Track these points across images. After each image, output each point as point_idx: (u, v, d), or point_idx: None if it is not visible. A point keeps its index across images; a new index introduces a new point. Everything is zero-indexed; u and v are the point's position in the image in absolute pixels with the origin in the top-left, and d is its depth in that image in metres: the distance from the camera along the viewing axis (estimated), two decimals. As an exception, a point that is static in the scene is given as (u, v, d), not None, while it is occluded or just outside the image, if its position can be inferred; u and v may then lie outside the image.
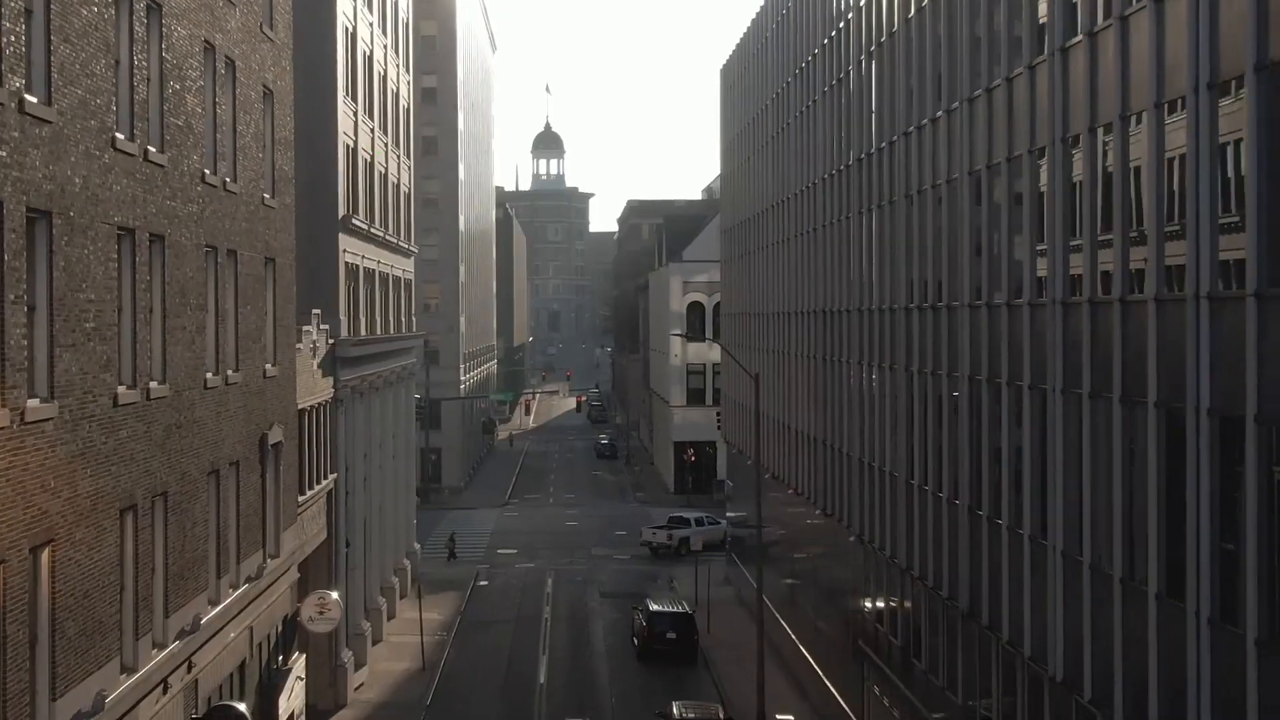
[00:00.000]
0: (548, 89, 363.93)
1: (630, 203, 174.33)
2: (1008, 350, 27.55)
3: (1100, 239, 23.22)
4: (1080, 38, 23.91)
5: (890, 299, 36.93)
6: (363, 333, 51.85)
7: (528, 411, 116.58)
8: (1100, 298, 23.13)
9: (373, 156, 54.92)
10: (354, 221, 48.75)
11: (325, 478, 44.39)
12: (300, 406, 39.59)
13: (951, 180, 31.55)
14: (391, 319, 60.89)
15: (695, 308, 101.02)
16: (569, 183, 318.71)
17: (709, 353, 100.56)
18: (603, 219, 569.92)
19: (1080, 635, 23.70)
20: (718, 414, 79.71)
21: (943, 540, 31.69)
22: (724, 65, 73.57)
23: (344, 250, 47.73)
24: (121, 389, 23.52)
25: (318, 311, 43.35)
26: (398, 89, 63.87)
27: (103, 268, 22.52)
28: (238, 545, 31.56)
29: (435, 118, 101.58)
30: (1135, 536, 21.88)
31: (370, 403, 55.09)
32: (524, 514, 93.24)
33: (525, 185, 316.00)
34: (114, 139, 23.01)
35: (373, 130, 54.95)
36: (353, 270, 49.92)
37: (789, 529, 55.02)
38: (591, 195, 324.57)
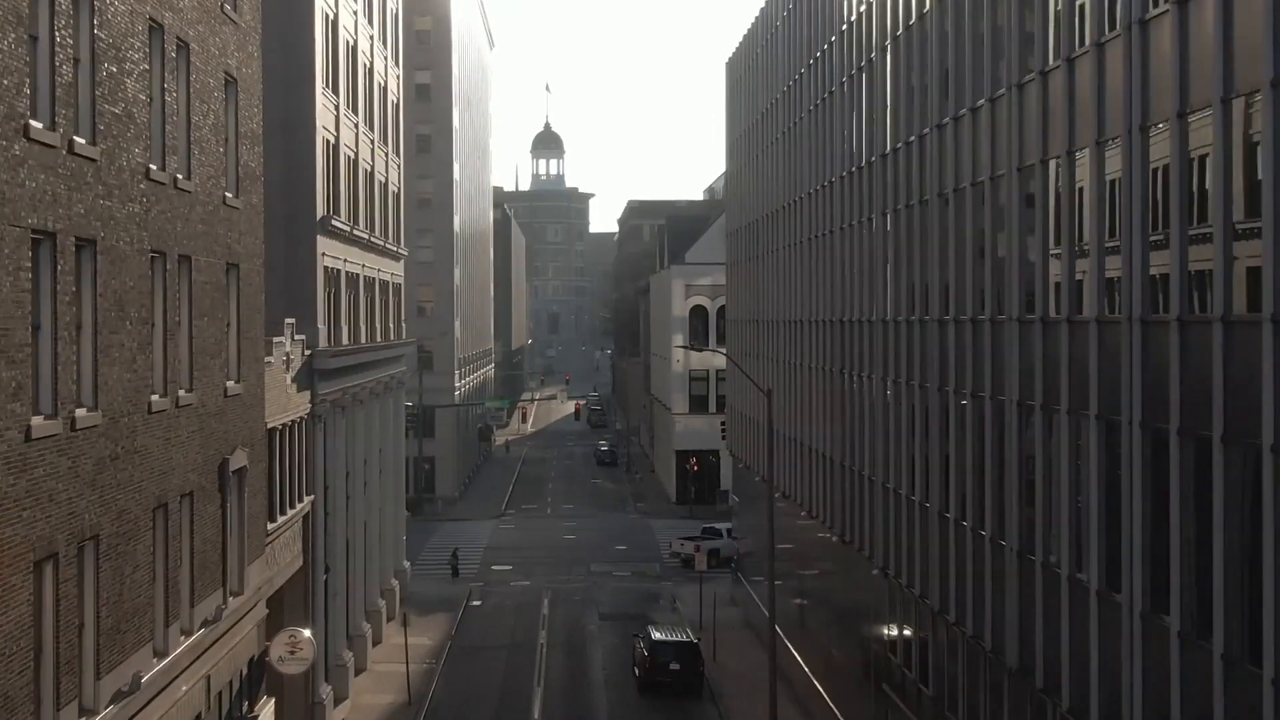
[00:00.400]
0: (548, 88, 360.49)
1: (631, 203, 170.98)
2: (1068, 372, 24.05)
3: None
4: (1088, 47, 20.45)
5: (920, 309, 33.48)
6: (345, 342, 48.39)
7: (525, 419, 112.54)
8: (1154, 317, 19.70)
9: (357, 154, 51.48)
10: (334, 223, 45.29)
11: (300, 501, 40.93)
12: (270, 425, 36.13)
13: (996, 177, 28.09)
14: (379, 326, 57.45)
15: (698, 312, 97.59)
16: (569, 183, 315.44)
17: (712, 359, 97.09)
18: (603, 220, 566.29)
19: (1167, 711, 20.25)
20: (722, 425, 76.28)
21: (985, 585, 28.22)
22: (730, 58, 70.14)
23: (323, 254, 44.27)
24: (37, 420, 20.07)
25: (291, 321, 39.89)
26: (386, 83, 60.42)
27: (10, 278, 19.07)
28: (191, 586, 28.10)
29: (429, 115, 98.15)
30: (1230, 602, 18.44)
31: (354, 416, 51.64)
32: (520, 526, 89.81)
33: (525, 185, 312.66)
34: (27, 127, 19.56)
35: (357, 126, 51.52)
36: (333, 275, 46.46)
37: (798, 543, 51.54)
38: (592, 195, 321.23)
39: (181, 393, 27.31)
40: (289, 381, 39.07)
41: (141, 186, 24.74)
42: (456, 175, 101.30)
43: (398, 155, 64.52)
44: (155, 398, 25.62)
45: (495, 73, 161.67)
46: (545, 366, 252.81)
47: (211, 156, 29.63)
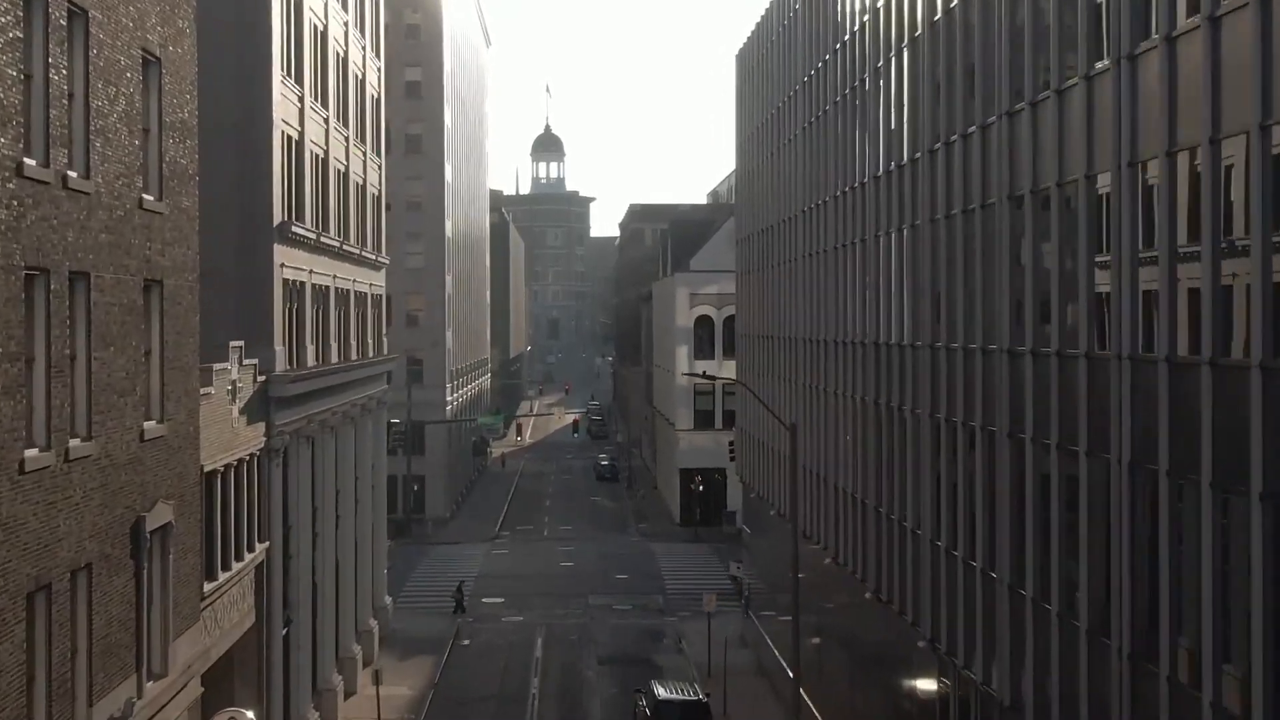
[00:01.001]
0: (548, 90, 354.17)
1: (633, 206, 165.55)
2: (1168, 423, 18.69)
3: None
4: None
5: (982, 336, 28.09)
6: (312, 363, 43.01)
7: (519, 433, 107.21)
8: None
9: (327, 152, 46.15)
10: (296, 229, 39.92)
11: (251, 550, 35.56)
12: (209, 468, 30.78)
13: (1065, 184, 22.72)
14: (355, 343, 52.10)
15: (704, 322, 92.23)
16: (569, 186, 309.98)
17: (718, 371, 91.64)
18: (604, 223, 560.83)
19: None
20: (730, 445, 70.88)
21: (1080, 683, 22.79)
22: (741, 49, 64.75)
23: (282, 265, 38.89)
24: None
25: (240, 344, 34.52)
26: (364, 76, 55.10)
27: None
28: (90, 682, 22.75)
29: (420, 114, 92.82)
30: None
31: (324, 444, 46.29)
32: (515, 551, 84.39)
33: (525, 189, 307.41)
34: None
35: (327, 121, 46.19)
36: (295, 289, 41.08)
37: (814, 571, 45.97)
38: (592, 199, 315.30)
39: (74, 443, 21.97)
40: (236, 414, 33.72)
41: (10, 186, 19.40)
42: (449, 177, 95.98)
43: (378, 155, 59.23)
44: (31, 453, 20.27)
45: (493, 73, 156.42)
46: (544, 373, 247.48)
47: (122, 151, 24.28)
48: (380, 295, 59.52)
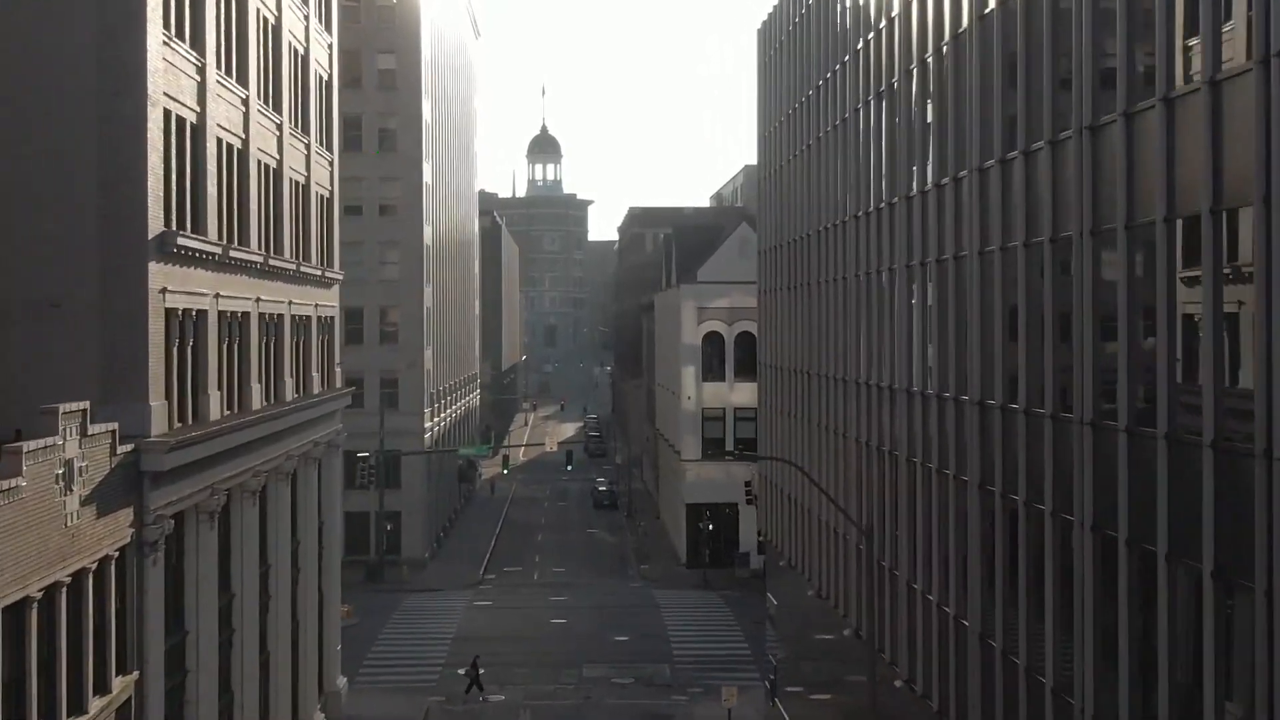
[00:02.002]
0: (543, 91, 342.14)
1: (632, 210, 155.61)
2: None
3: None
4: None
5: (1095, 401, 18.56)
6: (216, 415, 33.01)
7: (506, 465, 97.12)
8: None
9: (247, 142, 36.24)
10: (186, 242, 29.92)
11: (105, 690, 25.59)
12: (11, 600, 20.85)
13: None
14: (291, 380, 42.19)
15: (712, 339, 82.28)
16: (567, 189, 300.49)
17: (730, 394, 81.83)
18: (603, 227, 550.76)
19: None
20: (748, 489, 60.90)
21: None
22: (764, 24, 54.79)
23: (164, 290, 28.88)
24: None
25: (78, 407, 24.48)
26: (307, 51, 45.27)
27: None
28: None
29: (394, 106, 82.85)
30: None
31: (244, 514, 36.33)
32: (500, 601, 74.28)
33: (522, 192, 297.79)
34: None
35: (247, 103, 36.29)
36: (188, 320, 31.10)
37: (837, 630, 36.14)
38: (590, 202, 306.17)
39: None
40: (73, 506, 23.75)
41: None
42: (428, 178, 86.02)
43: (328, 149, 49.43)
44: None
45: (484, 69, 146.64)
46: (540, 384, 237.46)
47: None
48: (331, 317, 49.70)
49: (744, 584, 77.80)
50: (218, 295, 33.05)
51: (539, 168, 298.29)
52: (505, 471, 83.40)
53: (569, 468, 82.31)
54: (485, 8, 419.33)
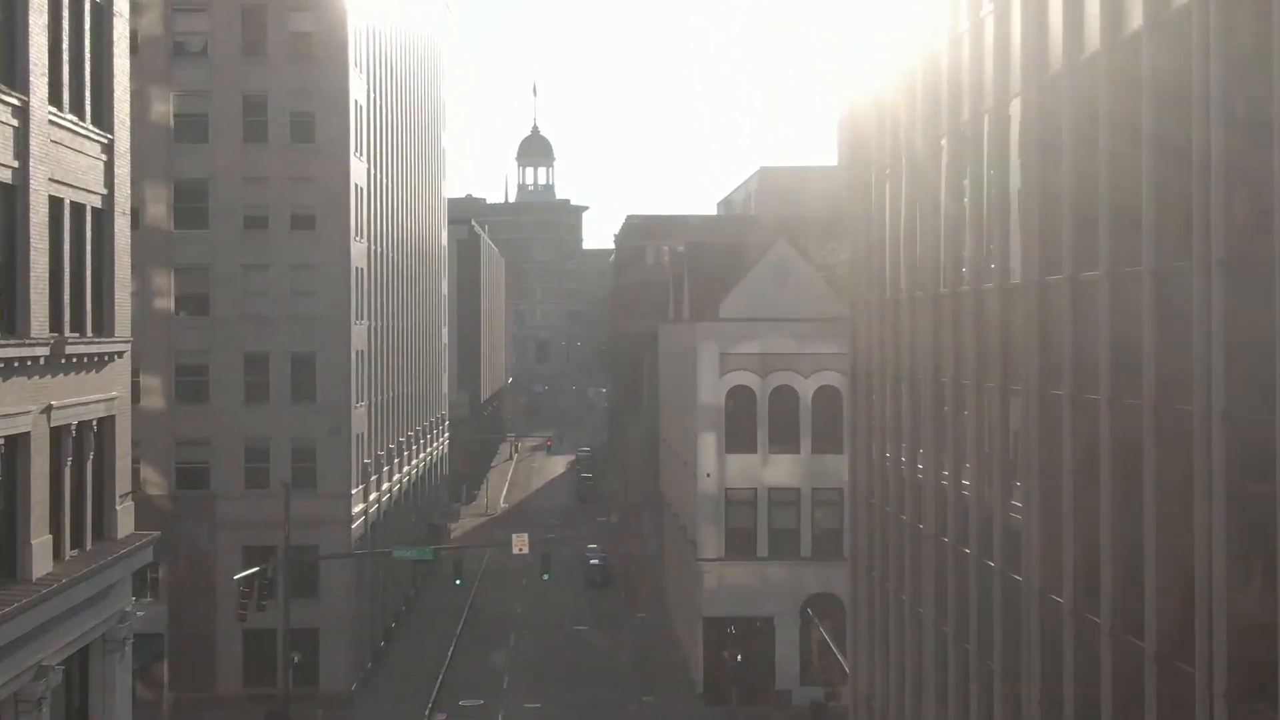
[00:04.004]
0: (534, 89, 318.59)
1: (630, 219, 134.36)
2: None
3: None
4: None
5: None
6: None
7: (459, 577, 74.06)
8: None
9: None
10: None
11: None
12: None
13: None
14: (33, 546, 21.00)
15: (740, 396, 61.15)
16: (559, 194, 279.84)
17: (762, 471, 60.79)
18: (598, 234, 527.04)
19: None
20: (812, 620, 39.53)
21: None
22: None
23: None
24: None
25: None
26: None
27: None
28: None
29: (311, 82, 61.73)
30: None
31: None
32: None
33: (511, 197, 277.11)
34: None
35: None
36: None
37: None
38: (585, 208, 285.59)
39: None
40: None
41: None
42: (359, 178, 64.86)
43: (106, 131, 28.35)
44: None
45: (458, 52, 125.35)
46: (530, 407, 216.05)
47: None
48: (103, 421, 28.53)
49: (786, 734, 56.97)
50: None
51: (529, 171, 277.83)
52: (459, 582, 61.96)
53: (545, 577, 60.65)
54: (475, 4, 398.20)
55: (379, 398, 70.70)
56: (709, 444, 60.88)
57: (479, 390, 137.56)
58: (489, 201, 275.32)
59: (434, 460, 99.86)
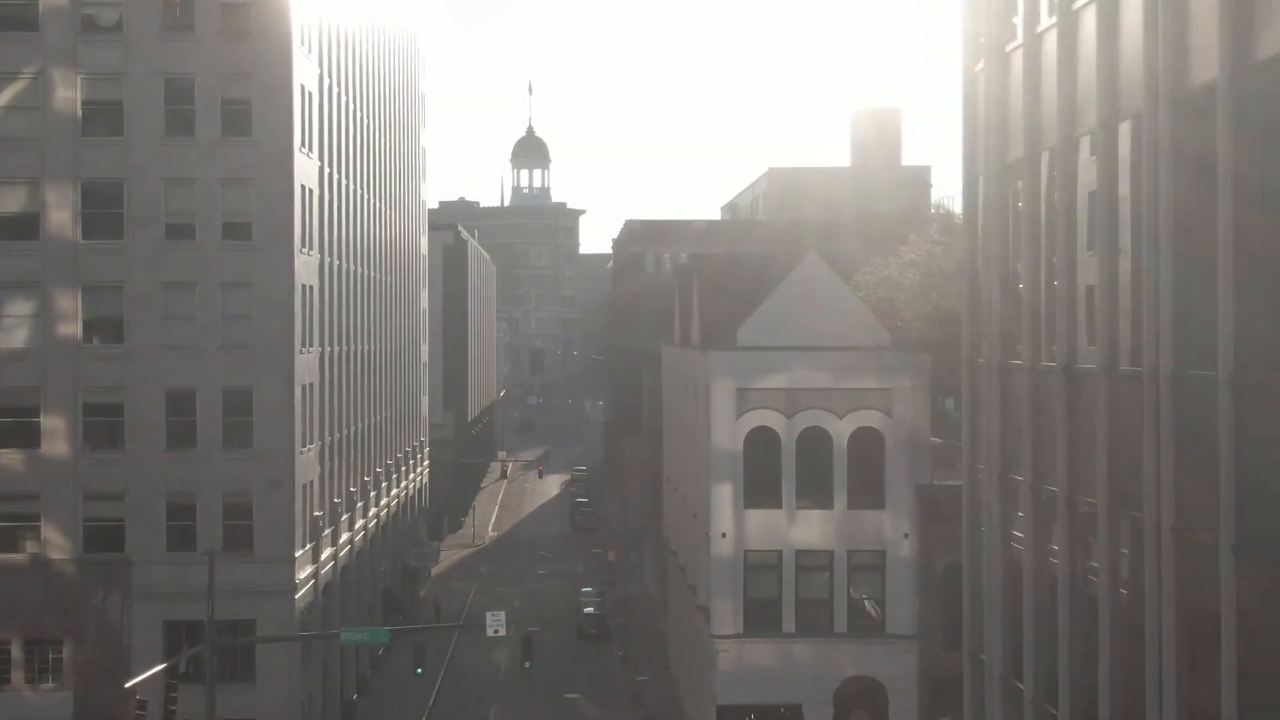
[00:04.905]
0: (530, 87, 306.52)
1: (630, 224, 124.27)
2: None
3: None
4: None
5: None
6: None
7: (420, 666, 63.07)
8: None
9: None
10: None
11: None
12: None
13: None
14: None
15: (762, 439, 50.81)
16: (555, 197, 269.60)
17: (789, 530, 50.60)
18: (596, 238, 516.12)
19: None
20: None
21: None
22: None
23: None
24: None
25: None
26: None
27: None
28: None
29: (248, 64, 51.44)
30: None
31: None
32: None
33: (506, 201, 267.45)
34: None
35: None
36: None
37: None
38: (582, 212, 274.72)
39: None
40: None
41: None
42: (306, 178, 54.65)
43: None
44: None
45: (442, 43, 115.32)
46: (523, 421, 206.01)
47: None
48: None
49: None
50: None
51: (524, 174, 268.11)
52: (420, 671, 51.72)
53: (527, 665, 50.32)
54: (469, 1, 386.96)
55: (336, 436, 60.49)
56: (724, 498, 50.68)
57: (466, 409, 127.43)
58: (482, 205, 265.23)
59: (411, 493, 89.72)
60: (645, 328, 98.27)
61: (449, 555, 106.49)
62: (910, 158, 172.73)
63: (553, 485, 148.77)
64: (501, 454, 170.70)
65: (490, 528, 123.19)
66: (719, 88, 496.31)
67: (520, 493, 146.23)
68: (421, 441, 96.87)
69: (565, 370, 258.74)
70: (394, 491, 79.69)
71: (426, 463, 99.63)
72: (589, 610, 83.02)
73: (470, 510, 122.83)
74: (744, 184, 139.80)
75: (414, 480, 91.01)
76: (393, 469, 79.08)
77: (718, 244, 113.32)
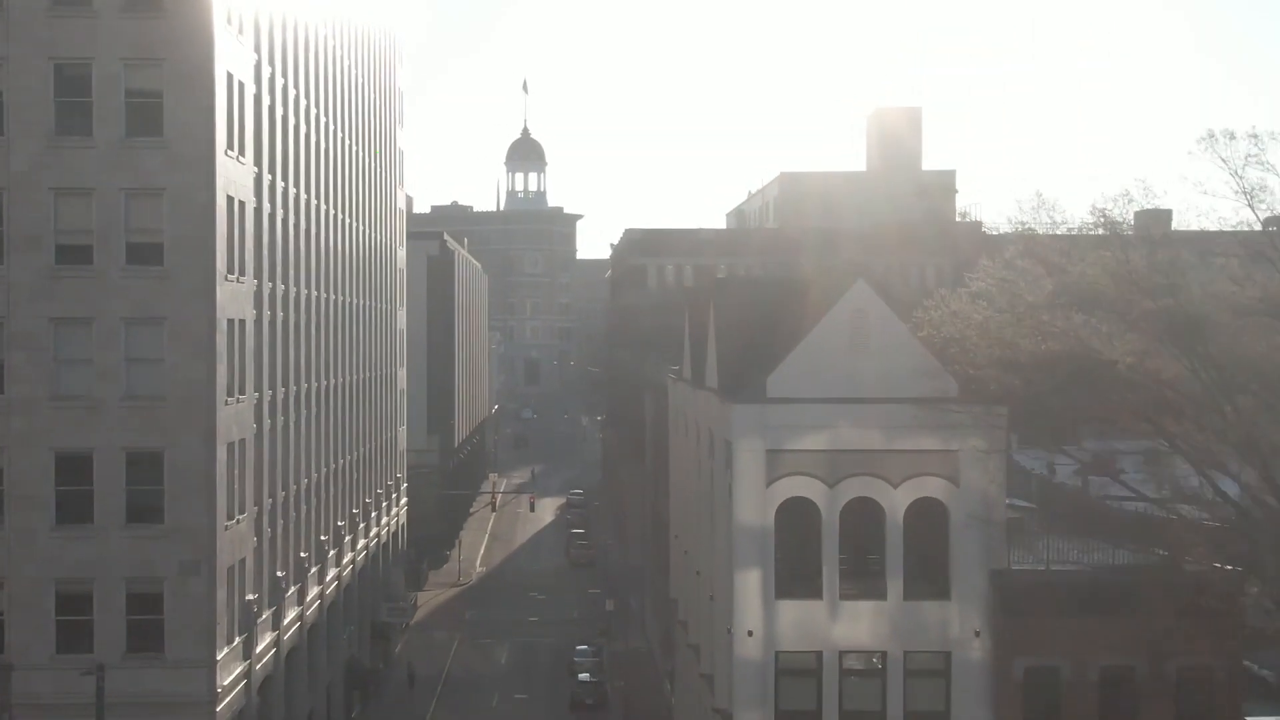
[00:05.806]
0: (525, 86, 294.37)
1: (630, 232, 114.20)
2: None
3: None
4: None
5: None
6: None
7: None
8: None
9: None
10: None
11: None
12: None
13: None
14: None
15: (798, 512, 40.79)
16: (552, 201, 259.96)
17: (831, 626, 40.60)
18: (594, 244, 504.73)
19: None
20: None
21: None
22: None
23: None
24: None
25: None
26: None
27: None
28: None
29: (160, 46, 41.36)
30: None
31: None
32: None
33: (501, 204, 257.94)
34: None
35: None
36: None
37: None
38: (580, 216, 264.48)
39: None
40: None
41: None
42: (235, 189, 44.57)
43: None
44: None
45: (448, 45, 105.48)
46: (517, 437, 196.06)
47: None
48: None
49: None
50: None
51: (519, 177, 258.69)
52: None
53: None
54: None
55: (281, 495, 50.52)
56: (750, 586, 40.69)
57: (453, 433, 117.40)
58: (476, 209, 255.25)
59: (385, 539, 79.76)
60: (647, 349, 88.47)
61: (433, 597, 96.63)
62: (930, 161, 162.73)
63: (547, 511, 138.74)
64: (492, 476, 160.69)
65: (479, 562, 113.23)
66: (723, 87, 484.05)
67: (512, 519, 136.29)
68: (398, 479, 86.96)
69: (562, 380, 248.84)
70: (361, 544, 69.72)
71: (404, 501, 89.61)
72: (584, 677, 72.98)
73: (457, 543, 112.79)
74: (750, 189, 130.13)
75: (388, 524, 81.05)
76: (360, 518, 69.11)
77: (724, 254, 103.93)
